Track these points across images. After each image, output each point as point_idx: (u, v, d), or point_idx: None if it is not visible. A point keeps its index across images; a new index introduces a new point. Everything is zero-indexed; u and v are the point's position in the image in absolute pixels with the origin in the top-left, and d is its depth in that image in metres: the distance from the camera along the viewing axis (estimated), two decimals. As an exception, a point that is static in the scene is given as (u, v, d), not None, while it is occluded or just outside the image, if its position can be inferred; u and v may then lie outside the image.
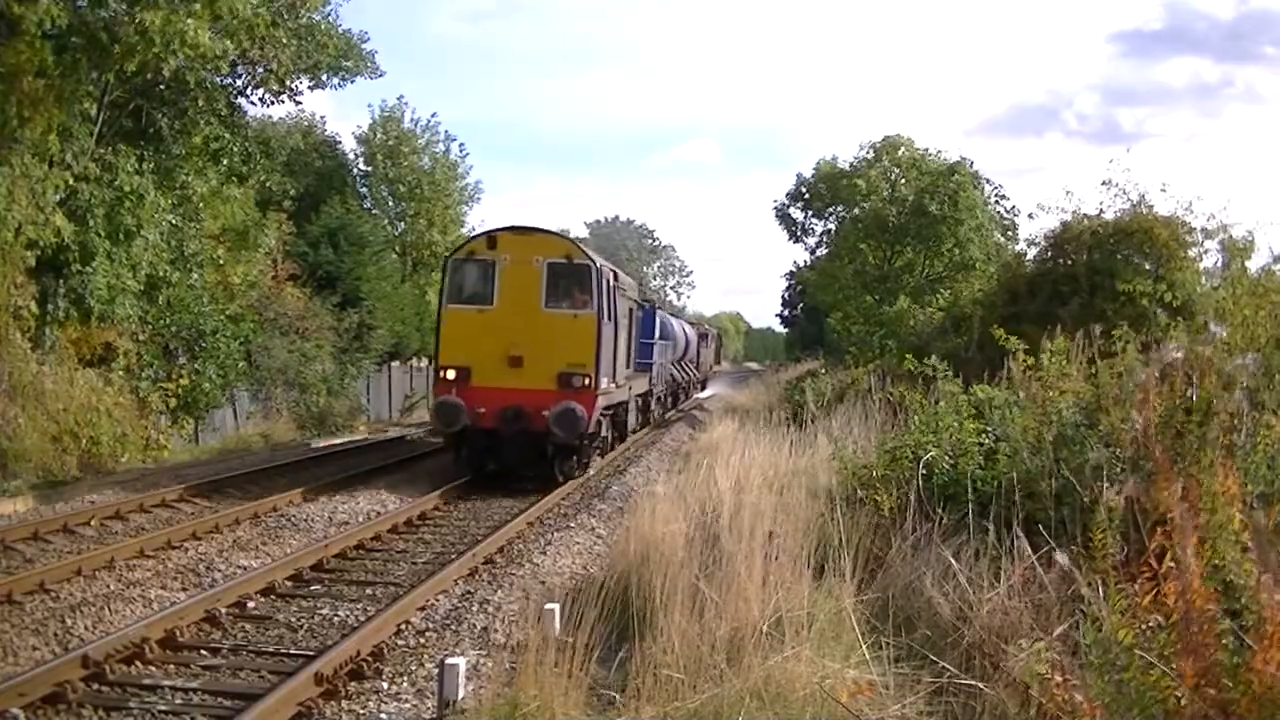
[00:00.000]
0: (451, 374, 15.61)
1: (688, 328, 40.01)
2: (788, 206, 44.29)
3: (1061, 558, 4.13)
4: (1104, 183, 19.19)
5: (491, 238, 16.34)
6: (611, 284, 16.84)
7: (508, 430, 15.35)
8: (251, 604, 8.87)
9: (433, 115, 51.63)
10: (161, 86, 18.86)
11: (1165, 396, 6.74)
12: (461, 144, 52.21)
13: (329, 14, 22.99)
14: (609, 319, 16.37)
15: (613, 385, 17.11)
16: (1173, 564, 3.23)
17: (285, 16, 20.41)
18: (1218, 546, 3.31)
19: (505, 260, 15.86)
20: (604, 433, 18.17)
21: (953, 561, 6.37)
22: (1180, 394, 6.91)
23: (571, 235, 24.92)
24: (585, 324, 15.81)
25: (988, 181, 38.47)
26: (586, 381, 15.55)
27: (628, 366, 20.41)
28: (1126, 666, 3.27)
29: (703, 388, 46.89)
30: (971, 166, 36.82)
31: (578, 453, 16.32)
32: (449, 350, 15.81)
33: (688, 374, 38.16)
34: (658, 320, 27.15)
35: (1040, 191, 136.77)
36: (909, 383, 12.61)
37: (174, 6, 15.81)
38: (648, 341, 24.83)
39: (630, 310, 20.75)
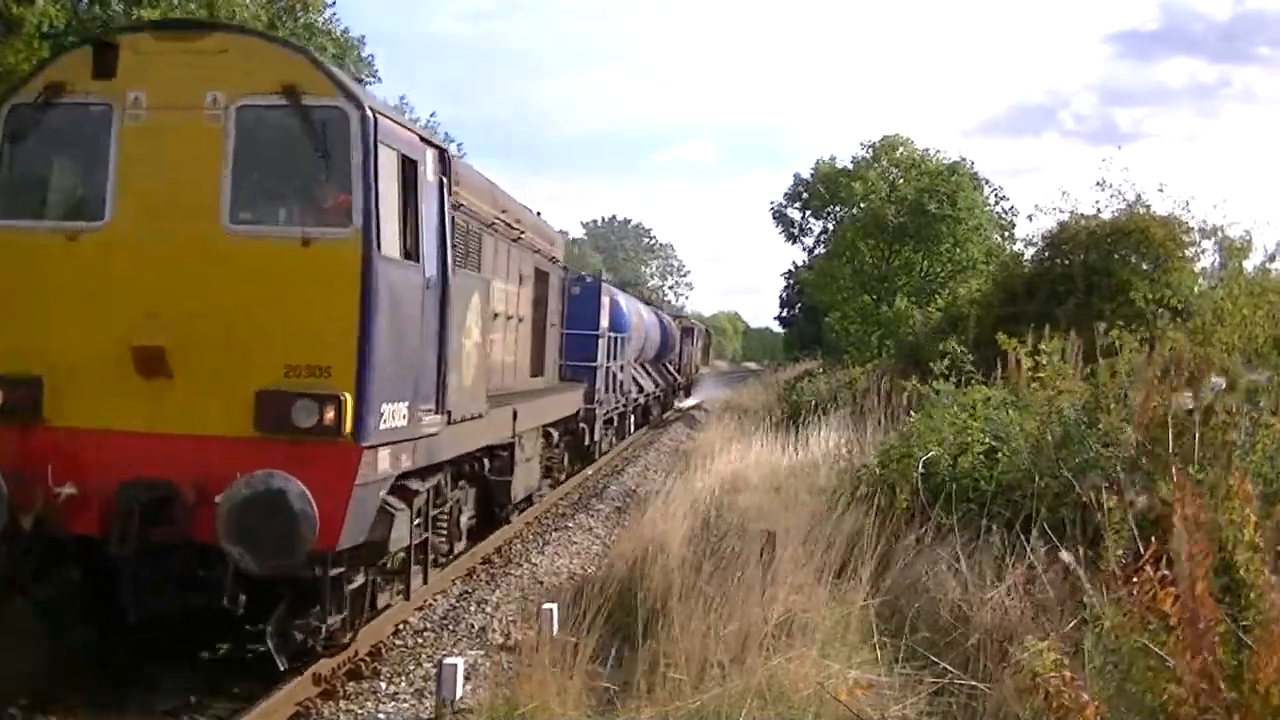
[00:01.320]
0: None
1: (665, 319, 32.18)
2: (785, 206, 44.40)
3: (1067, 557, 4.13)
4: (1098, 184, 19.20)
5: (105, 50, 6.66)
6: (434, 178, 7.57)
7: (126, 543, 6.08)
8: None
9: (431, 115, 51.32)
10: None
11: (1164, 395, 6.74)
12: (459, 144, 51.83)
13: (330, 18, 22.95)
14: (427, 254, 7.26)
15: (436, 419, 7.49)
16: (1167, 569, 3.23)
17: (284, 18, 20.40)
18: (1228, 548, 3.30)
19: (137, 105, 6.57)
20: (398, 532, 7.08)
21: (953, 562, 6.37)
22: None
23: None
24: (333, 261, 6.40)
25: (987, 182, 38.51)
26: (331, 416, 6.21)
27: (538, 372, 12.51)
28: (1129, 669, 3.27)
29: (687, 394, 40.01)
30: (972, 167, 36.88)
31: (317, 595, 6.36)
32: None
33: (665, 379, 30.75)
34: (605, 302, 18.89)
35: (1038, 192, 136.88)
36: (905, 379, 12.64)
37: (172, 4, 15.81)
38: (586, 333, 17.40)
39: (548, 278, 13.09)
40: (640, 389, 25.03)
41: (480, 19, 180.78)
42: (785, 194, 44.21)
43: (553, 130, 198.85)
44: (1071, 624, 4.28)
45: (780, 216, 44.60)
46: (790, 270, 58.32)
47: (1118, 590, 3.76)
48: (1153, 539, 3.36)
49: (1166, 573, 3.20)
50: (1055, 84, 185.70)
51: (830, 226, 42.07)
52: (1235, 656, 3.23)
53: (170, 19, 8.98)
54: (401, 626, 8.16)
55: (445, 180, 7.72)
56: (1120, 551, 3.86)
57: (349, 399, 6.21)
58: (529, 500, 12.46)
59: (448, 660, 6.32)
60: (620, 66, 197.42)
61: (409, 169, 7.03)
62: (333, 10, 22.95)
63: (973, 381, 10.51)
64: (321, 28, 22.73)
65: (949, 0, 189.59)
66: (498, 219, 10.05)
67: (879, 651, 5.52)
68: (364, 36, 27.08)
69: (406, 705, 6.50)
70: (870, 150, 38.69)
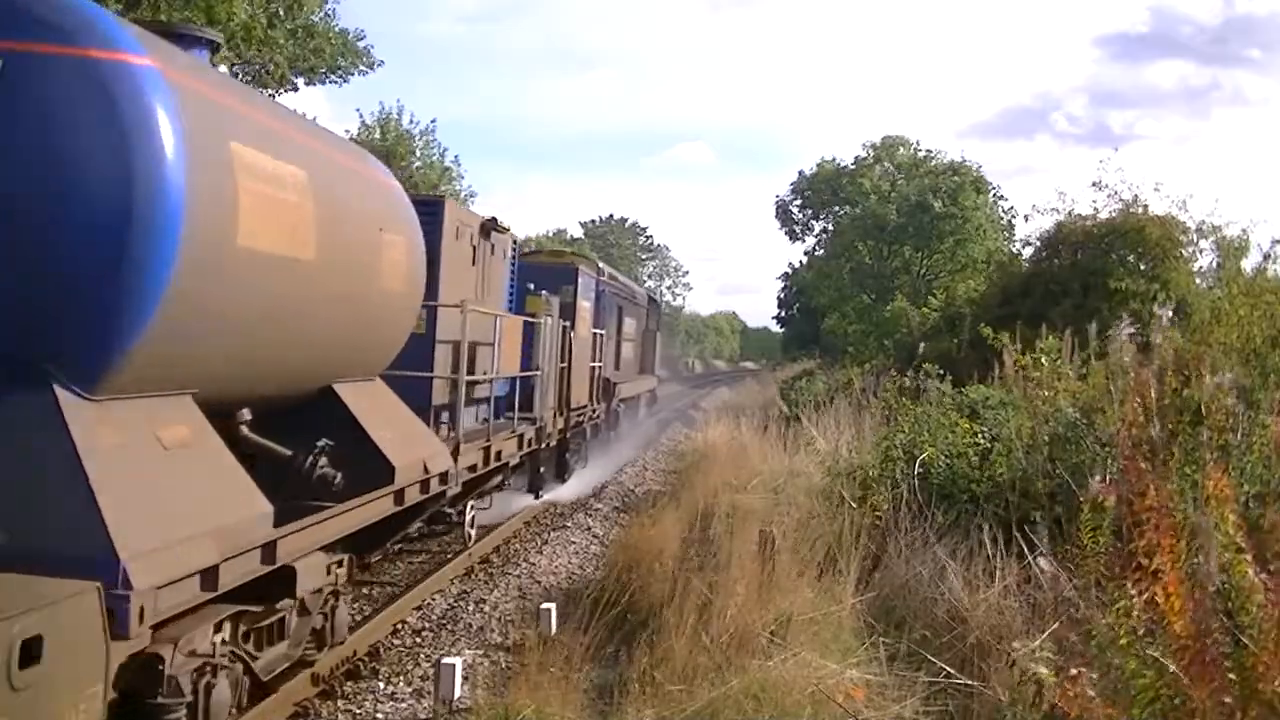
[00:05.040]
0: None
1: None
2: (789, 202, 44.57)
3: (1045, 562, 4.15)
4: (1094, 184, 19.24)
5: None
6: None
7: None
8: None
9: (432, 121, 50.59)
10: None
11: (1158, 394, 6.74)
12: (445, 147, 50.74)
13: (328, 13, 22.86)
14: None
15: None
16: (1162, 565, 3.24)
17: (283, 17, 20.36)
18: (1209, 546, 3.32)
19: None
20: None
21: (948, 562, 6.38)
22: (1175, 393, 6.92)
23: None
24: None
25: (992, 187, 38.46)
26: None
27: None
28: (1122, 668, 3.29)
29: (559, 475, 15.53)
30: (978, 169, 36.87)
31: None
32: None
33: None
34: None
35: (1033, 192, 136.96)
36: (902, 380, 12.66)
37: (173, 8, 15.80)
38: None
39: None
40: None
41: (478, 21, 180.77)
42: (791, 187, 44.37)
43: (552, 131, 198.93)
44: (1058, 623, 4.29)
45: (784, 213, 44.77)
46: (788, 271, 58.39)
47: (1091, 589, 3.79)
48: (1128, 538, 3.39)
49: (1160, 568, 3.22)
50: (1047, 86, 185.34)
51: (830, 227, 42.24)
52: (1235, 660, 3.24)
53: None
54: (400, 626, 8.18)
55: None
56: (1104, 550, 3.86)
57: None
58: None
59: (446, 660, 6.35)
60: (616, 69, 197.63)
61: None
62: (330, 8, 22.85)
63: (966, 383, 10.53)
64: (320, 29, 22.68)
65: (939, 3, 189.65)
66: None
67: (874, 651, 5.54)
68: (363, 31, 27.01)
69: (405, 705, 6.51)
70: (871, 151, 38.81)
